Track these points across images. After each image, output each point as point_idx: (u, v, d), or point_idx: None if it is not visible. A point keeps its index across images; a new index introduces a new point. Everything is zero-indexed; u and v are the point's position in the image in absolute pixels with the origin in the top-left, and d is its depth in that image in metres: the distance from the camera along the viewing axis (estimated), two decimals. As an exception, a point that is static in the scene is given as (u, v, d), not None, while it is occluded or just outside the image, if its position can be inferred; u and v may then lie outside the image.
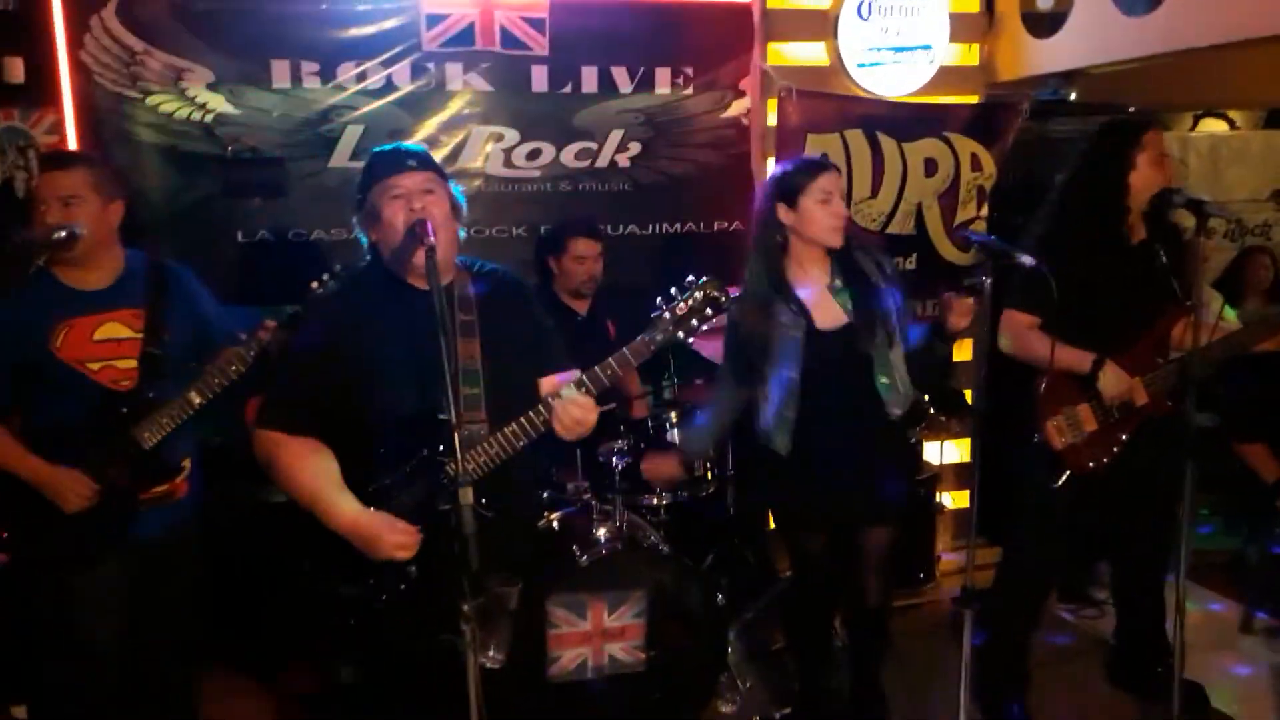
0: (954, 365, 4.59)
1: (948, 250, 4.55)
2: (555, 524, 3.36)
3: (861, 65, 4.35)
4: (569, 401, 2.19)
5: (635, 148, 4.24)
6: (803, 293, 2.89)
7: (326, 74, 3.84)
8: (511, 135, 4.09)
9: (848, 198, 4.01)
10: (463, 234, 2.36)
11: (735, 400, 3.04)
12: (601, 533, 3.24)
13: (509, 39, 4.00)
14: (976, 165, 4.48)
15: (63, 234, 2.56)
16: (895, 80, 4.40)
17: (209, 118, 3.75)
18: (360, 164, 2.39)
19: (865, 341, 2.87)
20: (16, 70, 3.55)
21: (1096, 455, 3.01)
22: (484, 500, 2.05)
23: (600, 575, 3.14)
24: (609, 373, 2.19)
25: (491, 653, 2.19)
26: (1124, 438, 3.00)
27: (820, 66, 4.39)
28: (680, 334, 2.17)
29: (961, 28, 4.48)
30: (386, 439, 2.21)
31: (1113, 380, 2.94)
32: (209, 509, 2.91)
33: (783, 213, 2.87)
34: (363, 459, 2.21)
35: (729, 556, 3.87)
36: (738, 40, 4.28)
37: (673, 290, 2.19)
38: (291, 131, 3.84)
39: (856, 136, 4.25)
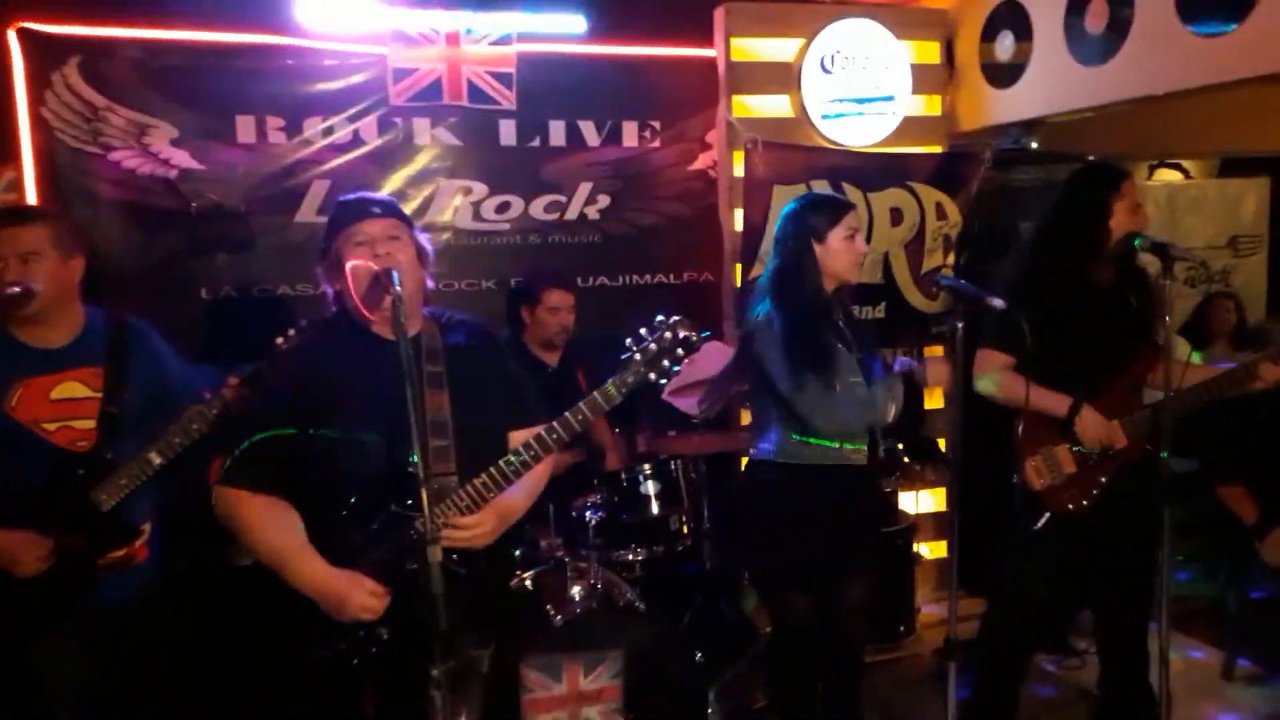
0: (926, 413, 4.60)
1: (915, 298, 4.57)
2: (528, 583, 3.27)
3: (825, 117, 4.40)
4: (453, 527, 2.11)
5: (604, 200, 4.26)
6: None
7: (292, 129, 3.83)
8: (480, 189, 4.09)
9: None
10: (430, 285, 2.32)
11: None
12: (576, 591, 3.16)
13: (476, 94, 4.01)
14: (942, 214, 4.52)
15: (16, 290, 2.48)
16: (859, 131, 4.45)
17: (173, 174, 3.72)
18: (326, 218, 2.35)
19: (872, 376, 2.90)
20: (-26, 128, 3.51)
21: (1076, 497, 2.99)
22: (454, 556, 1.98)
23: (576, 635, 3.06)
24: (580, 418, 2.14)
25: (463, 719, 2.10)
26: (1103, 480, 2.99)
27: (785, 118, 4.43)
28: (652, 374, 2.11)
29: (923, 79, 4.56)
30: (353, 494, 2.14)
31: (1091, 425, 2.93)
32: (171, 573, 2.81)
33: (814, 246, 2.89)
34: (329, 515, 2.14)
35: (707, 613, 3.79)
36: (703, 93, 4.33)
37: (642, 331, 2.13)
38: (257, 187, 3.82)
39: (822, 187, 4.27)
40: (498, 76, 4.03)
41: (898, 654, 4.20)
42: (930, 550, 4.72)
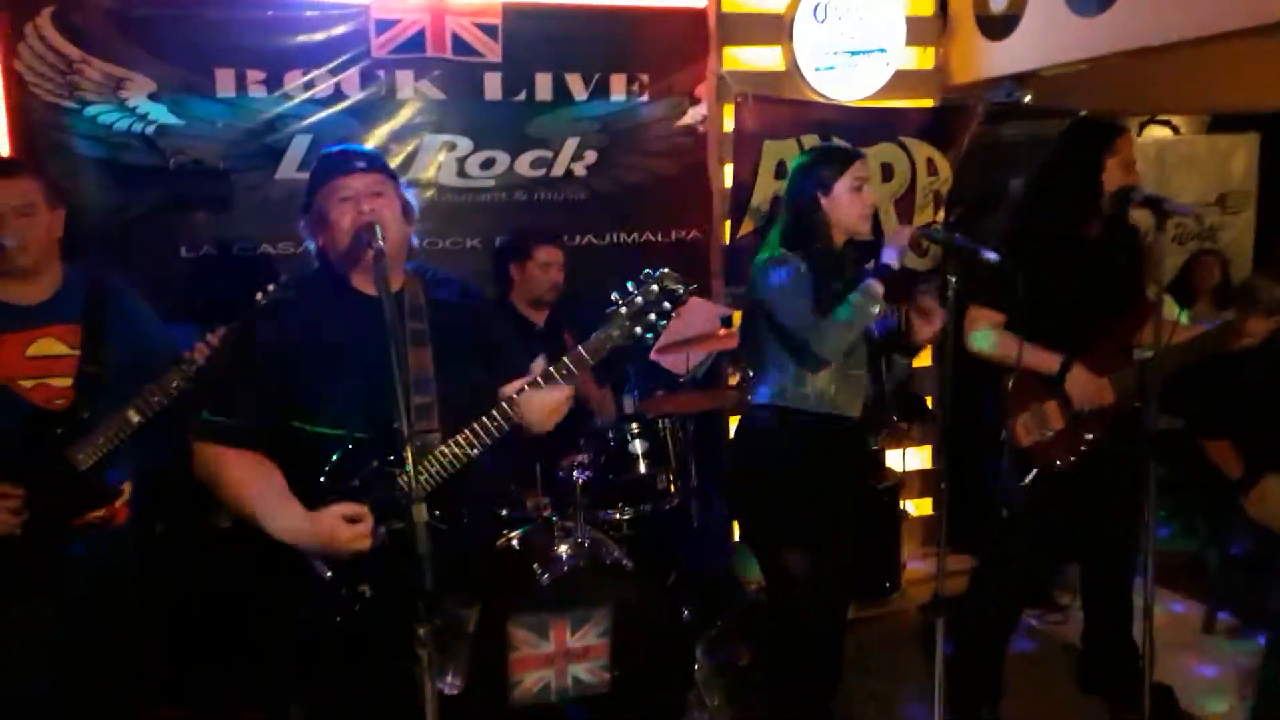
0: (914, 371, 4.59)
1: (906, 255, 4.53)
2: (515, 542, 3.27)
3: (818, 69, 4.33)
4: (534, 394, 2.11)
5: (591, 156, 4.17)
6: None
7: (273, 82, 3.73)
8: (465, 144, 4.01)
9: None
10: (415, 241, 2.28)
11: None
12: (563, 550, 3.15)
13: (461, 45, 3.92)
14: (932, 170, 4.48)
15: (12, 244, 2.44)
16: (851, 84, 4.39)
17: (150, 129, 3.62)
18: (308, 175, 2.30)
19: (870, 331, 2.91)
20: (-56, 81, 3.41)
21: (1063, 454, 3.00)
22: (437, 513, 1.96)
23: (562, 594, 3.06)
24: (564, 373, 2.11)
25: (450, 678, 2.10)
26: (1090, 437, 2.99)
27: (776, 71, 4.37)
28: (638, 329, 2.07)
29: (916, 31, 4.49)
30: (334, 451, 2.11)
31: (1080, 383, 2.92)
32: (151, 537, 2.77)
33: (821, 199, 2.84)
34: (310, 473, 2.11)
35: (694, 571, 3.80)
36: (693, 46, 4.24)
37: (628, 284, 2.09)
38: (237, 142, 3.72)
39: (813, 142, 4.23)
40: (483, 28, 3.94)
41: (884, 610, 4.23)
42: (916, 507, 4.74)
